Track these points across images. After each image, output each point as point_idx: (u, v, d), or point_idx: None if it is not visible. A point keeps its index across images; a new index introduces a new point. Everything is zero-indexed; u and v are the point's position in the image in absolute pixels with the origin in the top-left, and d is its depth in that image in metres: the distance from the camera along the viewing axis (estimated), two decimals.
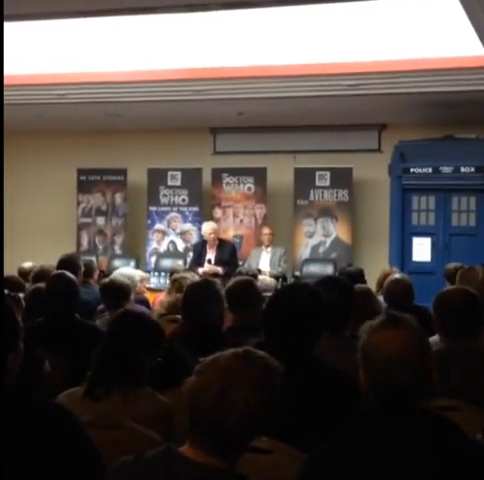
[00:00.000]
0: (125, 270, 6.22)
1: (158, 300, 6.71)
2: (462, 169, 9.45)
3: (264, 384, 1.92)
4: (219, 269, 9.10)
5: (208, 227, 9.52)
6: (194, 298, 3.80)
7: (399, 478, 1.90)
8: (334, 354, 3.01)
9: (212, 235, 9.38)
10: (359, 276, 5.76)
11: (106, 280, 5.19)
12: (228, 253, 9.36)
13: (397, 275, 5.53)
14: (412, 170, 9.63)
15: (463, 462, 1.91)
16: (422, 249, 9.70)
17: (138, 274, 6.10)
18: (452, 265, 6.34)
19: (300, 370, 2.68)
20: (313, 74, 8.61)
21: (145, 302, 6.16)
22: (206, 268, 9.20)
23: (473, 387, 3.00)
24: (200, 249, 9.54)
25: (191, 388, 1.92)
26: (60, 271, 4.86)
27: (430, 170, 9.58)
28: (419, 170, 9.61)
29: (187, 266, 9.67)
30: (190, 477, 1.85)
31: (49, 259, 6.85)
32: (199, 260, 9.41)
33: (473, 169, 9.40)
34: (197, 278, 6.92)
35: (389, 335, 2.02)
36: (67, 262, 5.95)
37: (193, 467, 1.87)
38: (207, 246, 9.43)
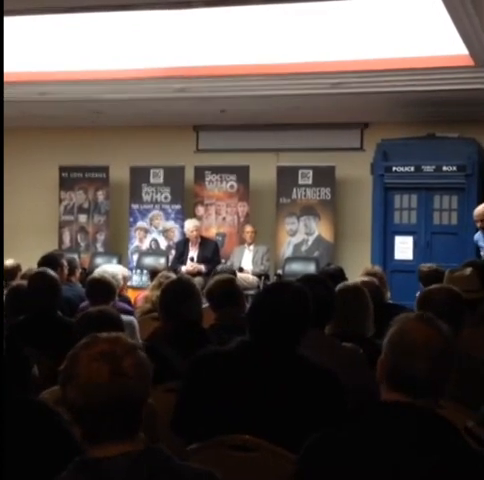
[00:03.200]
0: (108, 267, 6.19)
1: (140, 297, 6.71)
2: (444, 168, 9.49)
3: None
4: (202, 267, 9.10)
5: (190, 225, 9.52)
6: (171, 297, 3.80)
7: (393, 475, 1.90)
8: (315, 351, 3.01)
9: (194, 233, 9.39)
10: (339, 275, 5.75)
11: (95, 276, 5.14)
12: (211, 251, 9.38)
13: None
14: (394, 169, 9.66)
15: (459, 466, 1.91)
16: (404, 248, 9.74)
17: (121, 272, 6.08)
18: (426, 266, 6.33)
19: (286, 368, 2.68)
20: (296, 72, 8.62)
21: (127, 300, 6.14)
22: (189, 267, 9.20)
23: (454, 386, 3.02)
24: (182, 247, 9.54)
25: None
26: (42, 268, 4.84)
27: (412, 169, 9.61)
28: (401, 169, 9.64)
29: (169, 264, 9.67)
30: None
31: (31, 256, 6.82)
32: (181, 258, 9.41)
33: (455, 168, 9.44)
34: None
35: (420, 326, 2.06)
36: (49, 260, 5.94)
37: None
38: (189, 244, 9.44)
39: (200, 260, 9.25)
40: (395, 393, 2.02)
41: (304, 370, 2.68)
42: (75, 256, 8.63)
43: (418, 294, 3.52)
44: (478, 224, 7.32)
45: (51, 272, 4.62)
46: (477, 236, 7.45)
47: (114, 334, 1.92)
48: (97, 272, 5.52)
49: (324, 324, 3.57)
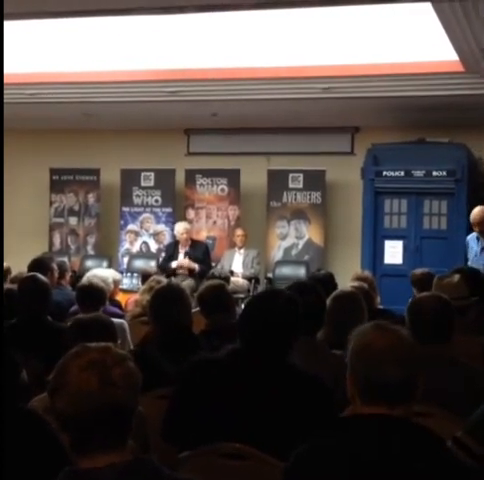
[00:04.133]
0: (99, 272, 6.17)
1: (131, 300, 6.71)
2: (434, 173, 9.52)
3: None
4: (196, 266, 9.09)
5: (181, 227, 9.53)
6: (161, 302, 3.80)
7: None
8: (306, 359, 3.02)
9: (184, 235, 9.39)
10: (329, 280, 5.76)
11: (84, 283, 5.12)
12: (201, 252, 9.39)
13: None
14: (384, 173, 9.69)
15: (442, 476, 1.93)
16: (394, 252, 9.75)
17: (112, 276, 6.07)
18: (419, 271, 6.34)
19: (276, 377, 2.69)
20: (287, 77, 8.64)
21: (118, 305, 6.13)
22: (184, 262, 9.17)
23: (443, 393, 3.03)
24: (172, 249, 9.55)
25: None
26: (32, 273, 4.83)
27: (402, 173, 9.64)
28: (391, 173, 9.66)
29: (158, 264, 9.68)
30: None
31: (21, 259, 6.79)
32: (170, 260, 9.39)
33: (445, 173, 9.47)
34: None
35: (380, 334, 2.08)
36: (39, 264, 5.93)
37: None
38: (179, 246, 9.44)
39: (192, 260, 9.25)
40: (371, 406, 2.02)
41: (294, 378, 2.69)
42: (65, 259, 8.61)
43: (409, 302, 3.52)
44: (476, 228, 7.27)
45: (41, 277, 4.61)
46: (470, 237, 7.42)
47: (104, 344, 1.93)
48: (87, 277, 5.50)
49: (315, 331, 3.58)
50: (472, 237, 7.36)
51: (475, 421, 2.48)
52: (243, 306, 6.07)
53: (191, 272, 9.09)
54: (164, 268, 9.12)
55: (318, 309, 3.56)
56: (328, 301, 3.95)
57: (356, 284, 5.11)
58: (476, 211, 7.30)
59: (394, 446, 1.95)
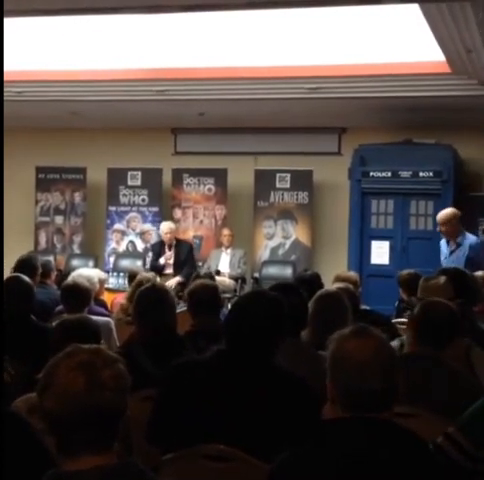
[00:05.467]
0: (84, 271, 6.15)
1: (117, 301, 6.68)
2: (421, 174, 9.54)
3: None
4: (178, 278, 9.07)
5: (165, 227, 9.52)
6: (145, 304, 3.79)
7: None
8: (291, 360, 3.02)
9: (168, 235, 9.38)
10: (316, 281, 5.77)
11: (69, 283, 5.09)
12: (185, 253, 9.38)
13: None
14: (371, 174, 9.70)
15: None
16: (380, 252, 9.77)
17: (97, 275, 6.04)
18: (405, 272, 6.39)
19: (261, 378, 2.68)
20: (274, 77, 8.64)
21: (103, 305, 6.10)
22: (168, 255, 9.23)
23: (432, 394, 3.04)
24: (158, 249, 9.54)
25: None
26: (15, 274, 4.81)
27: (389, 174, 9.66)
28: (378, 174, 9.68)
29: (147, 266, 9.64)
30: None
31: (6, 258, 6.75)
32: (158, 259, 9.38)
33: (431, 174, 9.50)
34: (158, 280, 6.93)
35: (360, 343, 2.05)
36: (25, 263, 5.91)
37: None
38: (165, 246, 9.43)
39: (174, 262, 9.24)
40: (353, 413, 2.01)
41: (278, 380, 2.69)
42: (51, 258, 8.58)
43: (415, 310, 3.50)
44: (440, 228, 7.39)
45: (25, 278, 4.60)
46: (442, 241, 7.50)
47: (95, 346, 1.92)
48: (72, 277, 5.47)
49: (298, 332, 3.57)
50: (443, 241, 7.46)
51: (468, 419, 2.48)
52: (229, 306, 6.08)
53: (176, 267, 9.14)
54: (154, 268, 9.09)
55: (301, 310, 3.55)
56: (311, 302, 3.96)
57: (341, 285, 5.11)
58: (442, 212, 7.45)
59: (380, 449, 1.94)
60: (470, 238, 7.32)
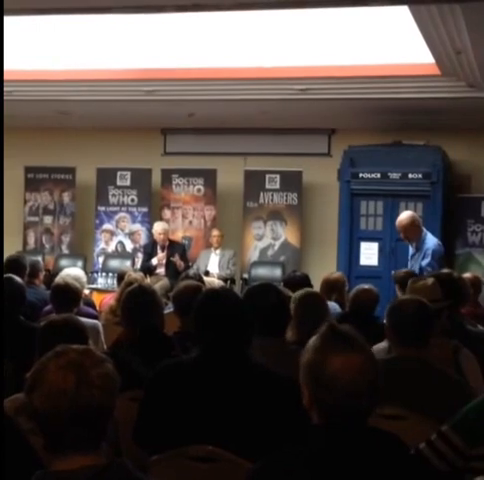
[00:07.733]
0: (72, 271, 6.13)
1: (105, 301, 6.66)
2: (410, 175, 9.55)
3: None
4: (182, 263, 9.06)
5: (159, 227, 9.51)
6: (133, 305, 3.79)
7: None
8: (274, 360, 3.02)
9: (162, 236, 9.37)
10: (305, 282, 5.79)
11: (60, 283, 5.07)
12: (180, 254, 9.36)
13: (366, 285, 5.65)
14: (361, 175, 9.71)
15: None
16: (369, 254, 9.79)
17: (83, 275, 6.04)
18: (402, 271, 6.46)
19: (242, 378, 2.69)
20: (264, 77, 8.64)
21: (92, 304, 6.10)
22: (161, 256, 9.19)
23: (420, 396, 3.04)
24: (150, 249, 9.52)
25: None
26: (7, 275, 4.79)
27: (378, 175, 9.67)
28: (368, 175, 9.69)
29: (138, 267, 9.63)
30: None
31: None
32: (150, 260, 9.36)
33: (421, 175, 9.51)
34: (147, 280, 6.92)
35: (345, 360, 1.95)
36: (13, 262, 5.89)
37: None
38: (157, 247, 9.41)
39: (168, 262, 9.22)
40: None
41: (258, 377, 2.70)
42: (39, 258, 8.57)
43: (385, 313, 3.52)
44: (401, 235, 7.36)
45: (18, 279, 4.59)
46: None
47: (85, 346, 1.93)
48: (61, 277, 5.45)
49: (280, 332, 3.57)
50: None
51: (462, 418, 2.48)
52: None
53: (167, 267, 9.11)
54: (145, 269, 9.06)
55: (279, 309, 3.54)
56: (292, 301, 3.97)
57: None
58: (399, 218, 7.41)
59: (362, 455, 1.92)
60: (429, 242, 7.21)
